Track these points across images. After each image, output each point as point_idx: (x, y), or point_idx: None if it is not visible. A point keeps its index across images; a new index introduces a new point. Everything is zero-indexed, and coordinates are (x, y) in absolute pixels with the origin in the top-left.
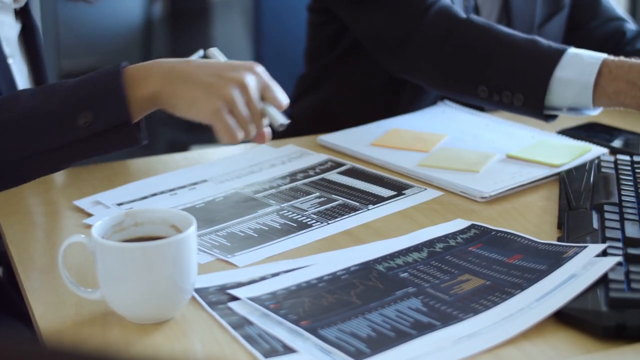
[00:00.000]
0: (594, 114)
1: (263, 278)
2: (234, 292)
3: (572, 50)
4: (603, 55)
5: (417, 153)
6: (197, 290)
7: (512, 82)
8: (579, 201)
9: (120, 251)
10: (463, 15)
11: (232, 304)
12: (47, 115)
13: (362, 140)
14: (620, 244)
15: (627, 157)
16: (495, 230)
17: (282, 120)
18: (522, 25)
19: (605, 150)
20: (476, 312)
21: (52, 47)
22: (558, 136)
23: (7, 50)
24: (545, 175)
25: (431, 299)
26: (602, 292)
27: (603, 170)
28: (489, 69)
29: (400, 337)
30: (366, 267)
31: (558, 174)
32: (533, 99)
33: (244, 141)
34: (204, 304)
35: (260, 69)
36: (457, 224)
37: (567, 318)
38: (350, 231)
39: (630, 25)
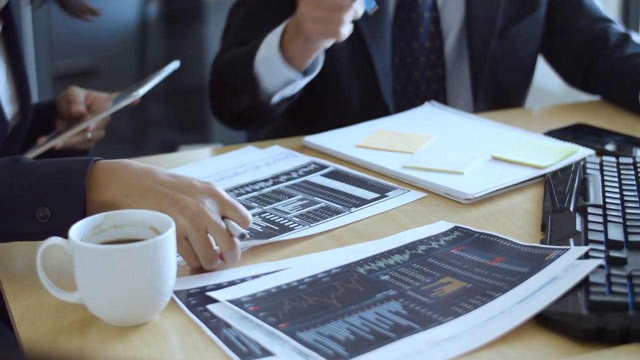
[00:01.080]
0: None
1: (243, 280)
2: (213, 294)
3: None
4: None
5: (403, 154)
6: (177, 293)
7: (236, 87)
8: (563, 203)
9: (98, 253)
10: None
11: (211, 307)
12: (8, 200)
13: (347, 142)
14: (602, 247)
15: (613, 159)
16: (478, 232)
17: (241, 231)
18: (482, 27)
19: (591, 152)
20: (456, 315)
21: (46, 47)
22: (544, 137)
23: None
24: (531, 176)
25: (411, 302)
26: (583, 295)
27: (588, 172)
28: (222, 86)
29: (379, 340)
30: (347, 270)
31: (544, 175)
32: (251, 89)
33: None
34: (183, 306)
35: (217, 188)
36: (441, 226)
37: (547, 321)
38: (332, 233)
39: (616, 27)
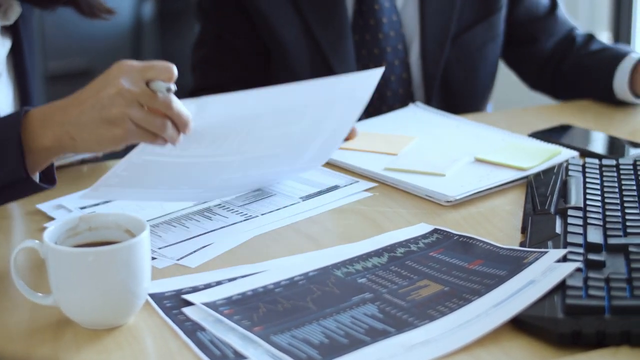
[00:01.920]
0: None
1: (219, 283)
2: (189, 297)
3: None
4: None
5: (386, 156)
6: (152, 296)
7: None
8: (544, 205)
9: (71, 256)
10: None
11: (185, 310)
12: None
13: None
14: (581, 250)
15: (596, 161)
16: (457, 235)
17: (166, 85)
18: (435, 32)
19: (575, 154)
20: (432, 318)
21: (39, 48)
22: (528, 139)
23: None
24: (513, 178)
25: (387, 305)
26: (560, 299)
27: (570, 173)
28: None
29: (353, 343)
30: (324, 273)
31: (526, 177)
32: None
33: None
34: (158, 309)
35: (124, 63)
36: (420, 229)
37: (523, 325)
38: (311, 235)
39: (580, 31)
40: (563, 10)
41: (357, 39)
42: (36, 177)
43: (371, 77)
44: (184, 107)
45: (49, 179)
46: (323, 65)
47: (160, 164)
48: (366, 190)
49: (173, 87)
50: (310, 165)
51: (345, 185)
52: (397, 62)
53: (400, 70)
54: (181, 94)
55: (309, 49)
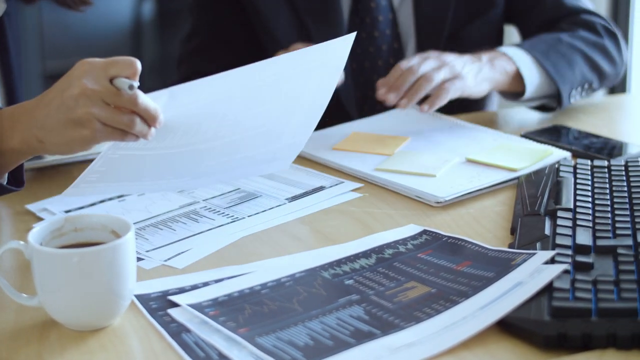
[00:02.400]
0: None
1: (206, 284)
2: (174, 298)
3: None
4: None
5: (378, 156)
6: (138, 297)
7: None
8: (534, 206)
9: (56, 257)
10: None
11: (171, 311)
12: None
13: (323, 144)
14: (570, 251)
15: (588, 162)
16: (446, 236)
17: (128, 82)
18: (431, 30)
19: (567, 154)
20: (418, 320)
21: (37, 47)
22: (520, 139)
23: None
24: (504, 179)
25: (374, 307)
26: (546, 301)
27: (561, 174)
28: None
29: (338, 346)
30: (312, 274)
31: (517, 178)
32: None
33: None
34: (143, 310)
35: (86, 62)
36: (409, 230)
37: (510, 327)
38: (299, 237)
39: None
40: None
41: None
42: (4, 179)
43: (344, 43)
44: (150, 101)
45: (17, 180)
46: None
47: (138, 157)
48: (353, 190)
49: (136, 83)
50: (296, 141)
51: (331, 186)
52: (393, 60)
53: None
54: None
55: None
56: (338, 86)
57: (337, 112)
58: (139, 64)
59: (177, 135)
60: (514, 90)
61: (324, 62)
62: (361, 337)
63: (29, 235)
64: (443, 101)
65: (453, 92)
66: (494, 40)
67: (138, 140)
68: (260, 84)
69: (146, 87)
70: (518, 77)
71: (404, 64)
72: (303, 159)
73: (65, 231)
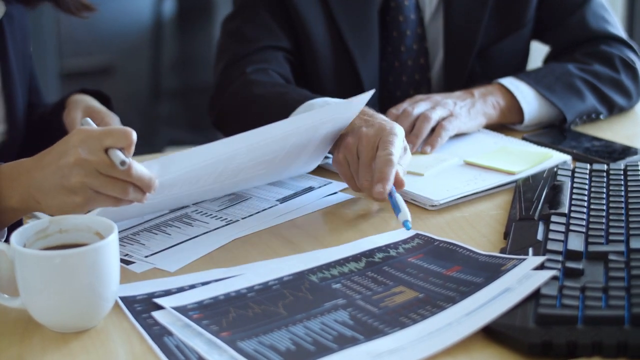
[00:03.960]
0: None
1: (193, 287)
2: (159, 301)
3: (316, 100)
4: (332, 100)
5: None
6: (123, 299)
7: None
8: (529, 211)
9: (38, 259)
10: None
11: (155, 314)
12: None
13: None
14: (560, 257)
15: (587, 166)
16: (438, 240)
17: (121, 158)
18: (460, 46)
19: (567, 158)
20: (403, 326)
21: (54, 45)
22: (521, 142)
23: None
24: (501, 182)
25: (359, 312)
26: (532, 308)
27: (559, 178)
28: (237, 121)
29: (320, 351)
30: (299, 277)
31: (515, 181)
32: None
33: None
34: (127, 312)
35: (83, 131)
36: (402, 233)
37: (494, 334)
38: (290, 239)
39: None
40: (593, 18)
41: (379, 48)
42: (3, 233)
43: (359, 103)
44: (145, 170)
45: None
46: (350, 71)
47: (136, 205)
48: (342, 190)
49: (128, 160)
50: (298, 172)
51: (320, 187)
52: (418, 76)
53: (421, 84)
54: (198, 90)
55: (337, 53)
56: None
57: None
58: (134, 135)
59: (173, 190)
60: (511, 122)
61: (336, 117)
62: (344, 343)
63: (12, 236)
64: (444, 140)
65: (452, 130)
66: (520, 58)
67: (131, 204)
68: (269, 141)
69: (166, 86)
70: (514, 109)
71: (396, 110)
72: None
73: (50, 232)
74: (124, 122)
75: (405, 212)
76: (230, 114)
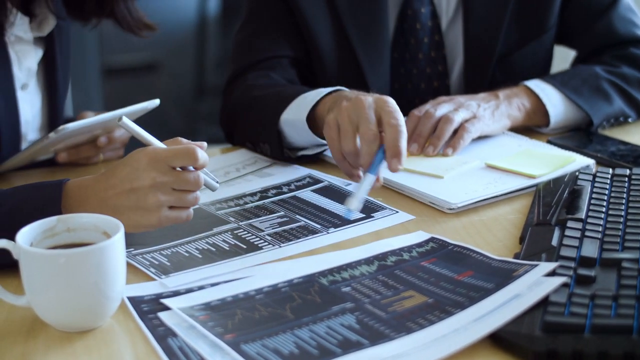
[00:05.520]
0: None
1: (201, 288)
2: (167, 301)
3: (309, 93)
4: (326, 91)
5: None
6: (131, 299)
7: (257, 134)
8: (546, 216)
9: (43, 258)
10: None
11: (161, 314)
12: None
13: None
14: (573, 264)
15: (609, 170)
16: (452, 244)
17: (213, 185)
18: (481, 53)
19: (590, 162)
20: (409, 331)
21: (95, 42)
22: (545, 145)
23: (22, 78)
24: (521, 186)
25: (366, 316)
26: (540, 315)
27: (579, 183)
28: (238, 126)
29: (323, 355)
30: (309, 280)
31: (536, 185)
32: (274, 144)
33: None
34: (133, 312)
35: (148, 153)
36: (417, 237)
37: (501, 341)
38: None
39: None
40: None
41: (396, 56)
42: None
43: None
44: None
45: None
46: (358, 79)
47: None
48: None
49: (216, 185)
50: None
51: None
52: (436, 83)
53: (439, 91)
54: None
55: (345, 61)
56: None
57: None
58: (198, 151)
59: None
60: (536, 124)
61: None
62: (348, 347)
63: (18, 235)
64: (466, 142)
65: (474, 132)
66: (543, 64)
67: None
68: None
69: (211, 83)
70: (540, 111)
71: (418, 111)
72: (316, 161)
73: (57, 231)
74: (167, 119)
75: (357, 199)
76: (234, 122)
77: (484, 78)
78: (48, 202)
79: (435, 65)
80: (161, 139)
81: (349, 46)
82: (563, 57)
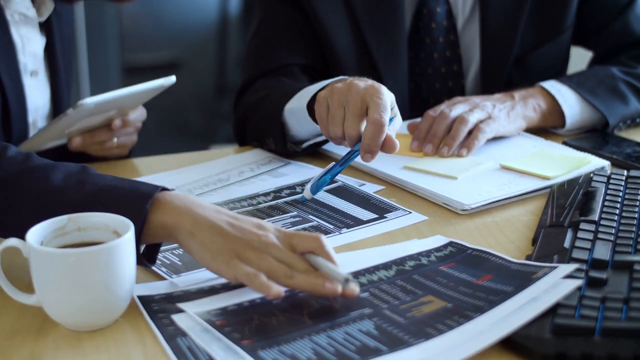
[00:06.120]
0: None
1: (212, 288)
2: (183, 306)
3: (311, 86)
4: (329, 80)
5: (410, 158)
6: (141, 298)
7: (262, 130)
8: (560, 217)
9: (52, 257)
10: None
11: (175, 317)
12: (70, 205)
13: None
14: (585, 266)
15: (623, 172)
16: (471, 248)
17: (344, 275)
18: (497, 53)
19: (605, 163)
20: (428, 337)
21: (116, 40)
22: (561, 146)
23: (31, 65)
24: (535, 187)
25: (385, 322)
26: (550, 318)
27: (593, 184)
28: (248, 127)
29: None
30: None
31: (550, 187)
32: (278, 137)
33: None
34: (144, 312)
35: (285, 230)
36: (435, 241)
37: (511, 343)
38: None
39: None
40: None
41: (412, 55)
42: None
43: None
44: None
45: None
46: (374, 78)
47: None
48: (376, 192)
49: (352, 279)
50: None
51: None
52: (451, 83)
53: (454, 91)
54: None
55: (361, 60)
56: None
57: None
58: (323, 239)
59: None
60: (552, 125)
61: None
62: (366, 354)
63: (28, 234)
64: (481, 142)
65: (489, 133)
66: (559, 65)
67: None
68: None
69: (231, 82)
70: (556, 112)
71: (433, 112)
72: (328, 160)
73: (68, 230)
74: (187, 117)
75: (309, 186)
76: (244, 127)
77: (500, 78)
78: (140, 195)
79: (450, 64)
80: (182, 138)
81: (366, 49)
82: (580, 58)
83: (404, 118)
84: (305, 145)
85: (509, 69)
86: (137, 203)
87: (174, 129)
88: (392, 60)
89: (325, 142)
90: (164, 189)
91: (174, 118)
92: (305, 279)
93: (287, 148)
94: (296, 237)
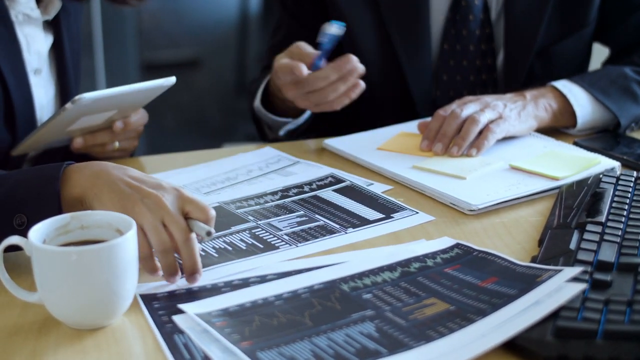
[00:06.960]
0: None
1: (214, 286)
2: (184, 307)
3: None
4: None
5: (420, 158)
6: (143, 296)
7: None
8: (567, 218)
9: (54, 255)
10: None
11: (175, 317)
12: None
13: (368, 145)
14: (590, 268)
15: (633, 173)
16: (477, 250)
17: (207, 228)
18: (520, 45)
19: (615, 164)
20: (429, 339)
21: (135, 39)
22: (571, 147)
23: (36, 64)
24: (544, 188)
25: (386, 324)
26: (553, 320)
27: (602, 185)
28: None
29: None
30: (330, 286)
31: (559, 187)
32: (259, 129)
33: None
34: (145, 310)
35: (183, 190)
36: (442, 242)
37: (513, 346)
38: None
39: None
40: None
41: (446, 47)
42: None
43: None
44: (199, 259)
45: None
46: (397, 74)
47: None
48: (385, 192)
49: (213, 231)
50: None
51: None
52: (485, 76)
53: (487, 84)
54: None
55: (383, 55)
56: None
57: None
58: (212, 213)
59: None
60: (563, 125)
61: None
62: (366, 356)
63: (30, 232)
64: (490, 143)
65: (499, 133)
66: (581, 59)
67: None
68: None
69: (251, 80)
70: (567, 112)
71: (444, 111)
72: (337, 159)
73: (71, 228)
74: (206, 115)
75: None
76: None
77: (522, 71)
78: (46, 180)
79: (484, 58)
80: (200, 135)
81: (389, 42)
82: (603, 57)
83: (428, 113)
84: (283, 130)
85: (531, 62)
86: (48, 188)
87: (192, 125)
88: (416, 55)
89: (307, 125)
90: (69, 164)
91: (193, 115)
92: (165, 260)
93: (267, 137)
94: (191, 204)
